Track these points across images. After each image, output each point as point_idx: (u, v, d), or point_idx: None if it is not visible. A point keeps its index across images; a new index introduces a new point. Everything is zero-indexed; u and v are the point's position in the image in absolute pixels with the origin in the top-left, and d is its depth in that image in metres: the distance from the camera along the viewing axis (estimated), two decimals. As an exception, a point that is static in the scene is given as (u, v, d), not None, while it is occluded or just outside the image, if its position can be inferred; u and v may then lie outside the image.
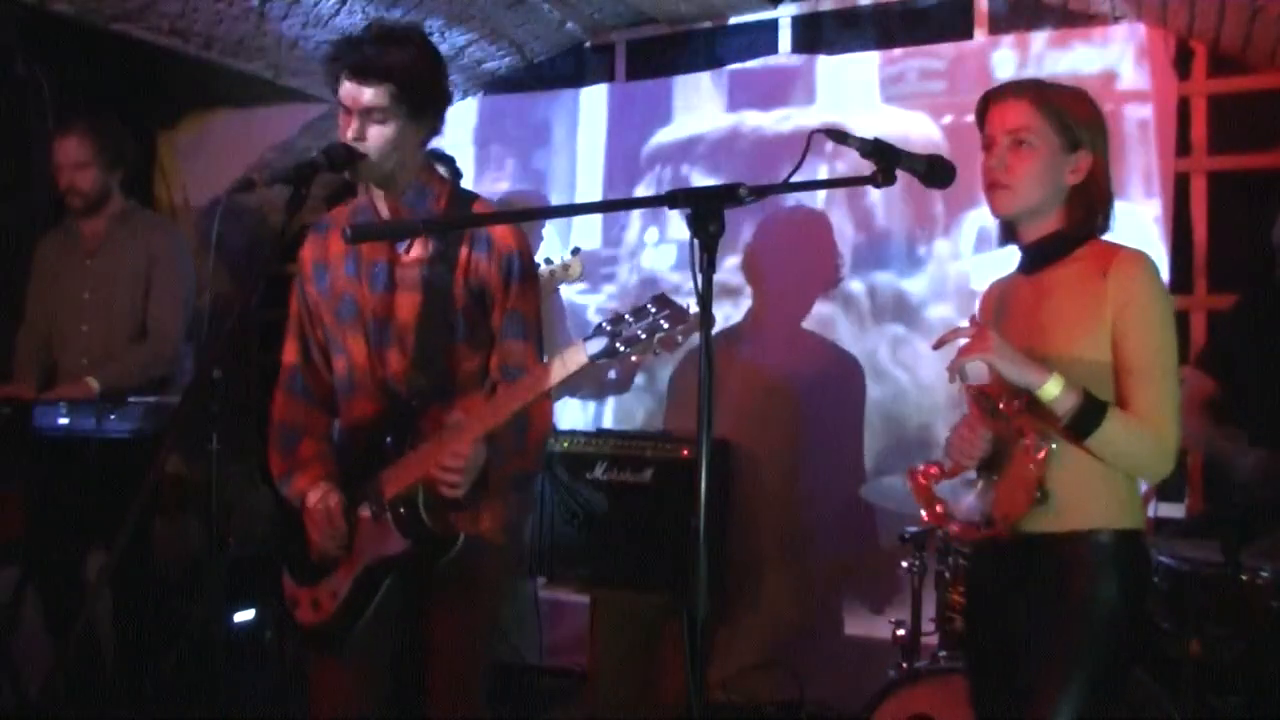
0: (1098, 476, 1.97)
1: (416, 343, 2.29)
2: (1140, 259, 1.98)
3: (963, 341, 1.96)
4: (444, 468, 2.12)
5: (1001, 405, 2.02)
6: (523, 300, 2.32)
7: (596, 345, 2.00)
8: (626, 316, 1.99)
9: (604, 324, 2.00)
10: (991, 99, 2.10)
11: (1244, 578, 2.55)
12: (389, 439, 2.26)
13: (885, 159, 1.83)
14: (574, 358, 2.05)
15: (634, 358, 2.01)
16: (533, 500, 4.10)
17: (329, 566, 2.31)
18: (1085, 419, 1.90)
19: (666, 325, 1.95)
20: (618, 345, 1.98)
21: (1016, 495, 2.01)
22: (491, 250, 2.29)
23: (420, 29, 2.28)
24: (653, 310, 1.97)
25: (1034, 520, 2.01)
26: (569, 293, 4.46)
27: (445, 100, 2.31)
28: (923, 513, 2.15)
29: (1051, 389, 1.90)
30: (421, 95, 2.22)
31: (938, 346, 2.01)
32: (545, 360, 2.24)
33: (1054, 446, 1.97)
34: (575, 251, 3.83)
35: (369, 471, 2.26)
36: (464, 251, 2.29)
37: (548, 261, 3.86)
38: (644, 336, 1.96)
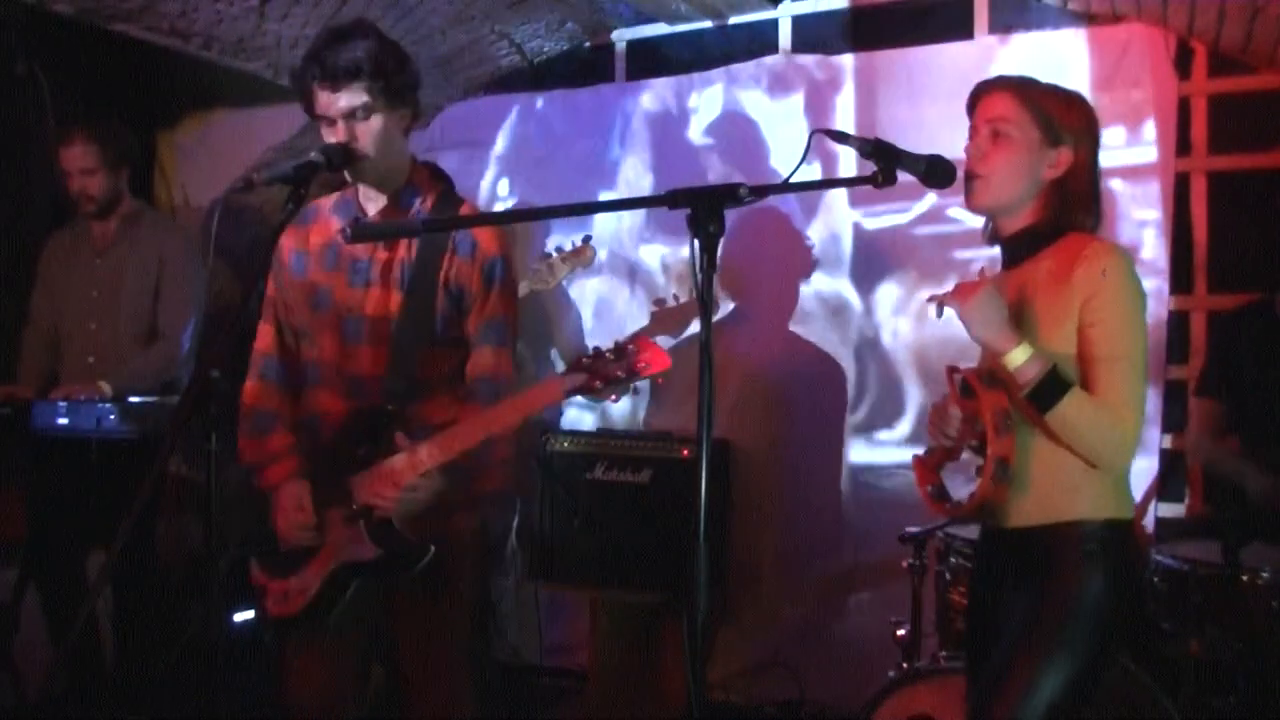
0: (1083, 466, 1.97)
1: (393, 342, 2.28)
2: (1109, 250, 1.98)
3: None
4: (378, 494, 2.14)
5: (973, 384, 2.02)
6: (501, 305, 2.32)
7: (573, 381, 1.98)
8: (607, 354, 1.96)
9: (584, 359, 1.98)
10: (980, 91, 2.12)
11: (1244, 578, 2.56)
12: (362, 446, 2.24)
13: (886, 159, 1.83)
14: (547, 393, 2.04)
15: (611, 397, 1.98)
16: (513, 503, 4.09)
17: (299, 561, 2.28)
18: (1046, 392, 1.89)
19: (646, 366, 1.93)
20: (595, 383, 1.96)
21: (983, 475, 2.00)
22: (474, 254, 2.29)
23: (368, 19, 2.28)
24: (633, 350, 1.95)
25: (1023, 514, 2.02)
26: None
27: (417, 82, 2.31)
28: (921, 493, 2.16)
29: (1017, 356, 1.90)
30: (394, 80, 2.23)
31: (937, 300, 2.01)
32: (517, 365, 2.27)
33: (1012, 420, 1.95)
34: (587, 239, 3.83)
35: (340, 473, 2.24)
36: (447, 253, 2.29)
37: (559, 249, 3.85)
38: (623, 375, 1.94)
